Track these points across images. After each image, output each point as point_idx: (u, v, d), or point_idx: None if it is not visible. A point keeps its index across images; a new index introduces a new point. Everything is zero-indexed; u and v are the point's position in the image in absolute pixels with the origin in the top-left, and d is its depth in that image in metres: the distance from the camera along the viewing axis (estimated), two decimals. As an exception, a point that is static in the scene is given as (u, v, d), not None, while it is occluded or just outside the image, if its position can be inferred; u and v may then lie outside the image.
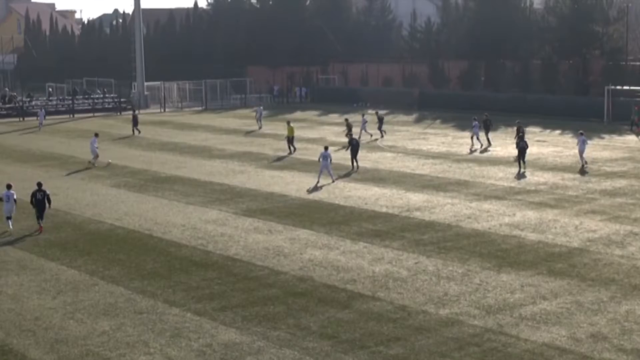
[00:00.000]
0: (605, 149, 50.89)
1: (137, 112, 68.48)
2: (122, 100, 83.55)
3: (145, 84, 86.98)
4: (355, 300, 22.82)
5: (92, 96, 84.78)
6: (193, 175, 43.22)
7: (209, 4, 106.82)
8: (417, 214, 33.12)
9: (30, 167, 46.69)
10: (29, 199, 32.17)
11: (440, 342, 19.73)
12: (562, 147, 49.41)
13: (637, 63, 73.97)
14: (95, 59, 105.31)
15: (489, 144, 52.38)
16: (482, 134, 52.48)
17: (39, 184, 32.42)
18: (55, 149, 54.95)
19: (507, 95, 73.92)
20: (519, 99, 72.16)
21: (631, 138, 55.41)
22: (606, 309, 21.70)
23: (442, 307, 22.06)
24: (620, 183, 39.13)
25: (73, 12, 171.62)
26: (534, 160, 45.93)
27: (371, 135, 57.30)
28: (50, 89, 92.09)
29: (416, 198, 36.34)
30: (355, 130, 55.26)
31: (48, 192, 32.06)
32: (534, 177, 41.01)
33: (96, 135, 49.30)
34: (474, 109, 65.84)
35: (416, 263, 26.30)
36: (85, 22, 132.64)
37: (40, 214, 31.76)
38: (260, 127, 64.40)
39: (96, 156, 47.46)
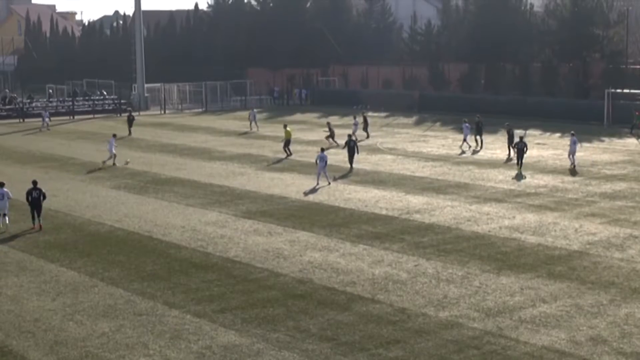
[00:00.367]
0: (605, 151, 50.90)
1: (134, 113, 68.62)
2: (122, 101, 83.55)
3: (146, 85, 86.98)
4: (355, 302, 22.82)
5: (92, 97, 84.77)
6: (193, 177, 43.23)
7: (209, 6, 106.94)
8: (417, 217, 33.13)
9: (30, 169, 46.66)
10: (25, 198, 32.39)
11: (439, 344, 19.73)
12: (562, 150, 49.39)
13: (637, 66, 73.95)
14: (95, 61, 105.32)
15: (481, 145, 52.58)
16: (473, 136, 52.95)
17: (34, 182, 32.60)
18: (55, 150, 54.95)
19: (507, 98, 73.94)
20: (519, 101, 72.21)
21: (631, 141, 55.40)
22: (606, 312, 21.70)
23: (441, 310, 22.06)
24: (620, 186, 39.14)
25: (73, 14, 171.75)
26: (534, 163, 45.95)
27: (368, 136, 57.90)
28: (51, 91, 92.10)
29: (416, 200, 36.34)
30: (339, 133, 55.29)
31: (43, 190, 32.35)
32: (533, 180, 41.02)
33: (114, 135, 49.83)
34: (474, 112, 65.67)
35: (416, 265, 26.30)
36: (86, 23, 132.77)
37: (37, 213, 32.07)
38: (257, 129, 64.48)
39: (111, 157, 47.82)
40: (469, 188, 39.08)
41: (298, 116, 75.61)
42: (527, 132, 58.54)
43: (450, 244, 28.88)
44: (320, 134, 59.65)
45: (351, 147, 45.10)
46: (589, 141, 55.69)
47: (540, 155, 49.11)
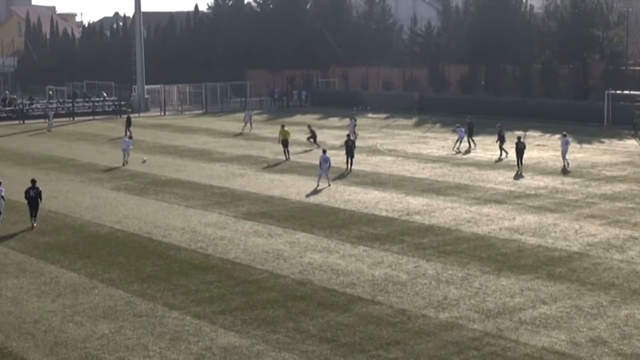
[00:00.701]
0: (605, 153, 50.90)
1: (131, 115, 69.01)
2: (122, 103, 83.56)
3: (146, 87, 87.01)
4: (355, 303, 22.81)
5: (92, 99, 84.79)
6: (193, 179, 43.23)
7: (209, 8, 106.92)
8: (417, 218, 33.12)
9: (30, 170, 46.61)
10: (23, 197, 32.69)
11: (439, 346, 19.72)
12: (568, 153, 49.31)
13: (637, 67, 74.02)
14: (95, 62, 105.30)
15: (474, 146, 52.90)
16: (466, 138, 53.52)
17: (33, 181, 32.75)
18: (55, 151, 54.96)
19: (507, 99, 74.02)
20: (519, 103, 72.28)
21: (631, 142, 55.39)
22: (606, 314, 21.69)
23: (441, 311, 22.06)
24: (620, 187, 39.14)
25: (73, 15, 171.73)
26: (534, 165, 45.97)
27: (356, 135, 58.18)
28: (51, 92, 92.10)
29: (416, 202, 36.33)
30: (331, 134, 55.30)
31: (41, 189, 32.63)
32: (533, 181, 41.02)
33: (130, 137, 51.14)
34: (474, 113, 65.72)
35: (416, 267, 26.29)
36: (86, 25, 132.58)
37: (33, 212, 32.30)
38: (250, 129, 64.98)
39: (125, 154, 48.73)
40: (469, 189, 39.07)
41: (298, 117, 75.62)
42: (527, 133, 58.53)
43: (450, 245, 28.88)
44: (321, 136, 59.66)
45: (349, 146, 45.32)
46: (589, 142, 55.74)
47: (540, 156, 49.12)
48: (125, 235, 31.21)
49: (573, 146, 52.86)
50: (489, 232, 30.60)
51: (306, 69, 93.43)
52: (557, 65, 75.33)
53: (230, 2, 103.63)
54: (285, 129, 51.25)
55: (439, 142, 56.92)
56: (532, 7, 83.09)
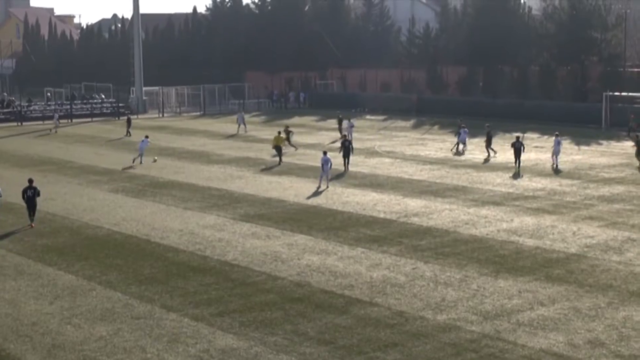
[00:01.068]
0: (603, 155, 50.93)
1: (131, 116, 69.51)
2: (120, 105, 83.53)
3: (144, 88, 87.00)
4: (353, 305, 22.81)
5: (90, 101, 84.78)
6: (191, 181, 43.21)
7: (207, 9, 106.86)
8: (415, 220, 33.12)
9: (28, 172, 46.49)
10: (21, 197, 32.96)
11: (437, 347, 19.72)
12: (560, 153, 49.32)
13: (635, 69, 74.01)
14: (93, 64, 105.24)
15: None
16: (454, 139, 54.62)
17: (30, 181, 32.96)
18: (53, 153, 54.94)
19: (505, 101, 74.03)
20: (517, 104, 72.27)
21: (629, 144, 55.35)
22: (604, 315, 21.70)
23: (439, 313, 22.05)
24: (618, 189, 39.15)
25: (72, 17, 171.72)
26: (532, 166, 46.00)
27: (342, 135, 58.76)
28: (49, 94, 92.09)
29: (414, 204, 36.34)
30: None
31: (38, 189, 32.95)
32: (531, 183, 41.03)
33: (146, 137, 51.60)
34: (472, 115, 65.94)
35: (414, 269, 26.29)
36: (84, 26, 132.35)
37: (31, 212, 32.61)
38: (243, 131, 65.32)
39: (139, 155, 49.45)
40: (467, 191, 39.08)
41: (296, 119, 75.61)
42: (525, 135, 58.52)
43: (448, 247, 28.88)
44: (319, 138, 59.75)
45: (346, 147, 45.54)
46: (587, 144, 55.78)
47: (538, 158, 49.13)
48: (123, 237, 31.20)
49: (571, 148, 53.17)
50: (487, 234, 30.60)
51: (304, 71, 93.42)
52: (555, 67, 75.30)
53: (229, 3, 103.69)
54: (281, 135, 50.98)
55: (437, 144, 56.92)
56: (530, 9, 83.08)
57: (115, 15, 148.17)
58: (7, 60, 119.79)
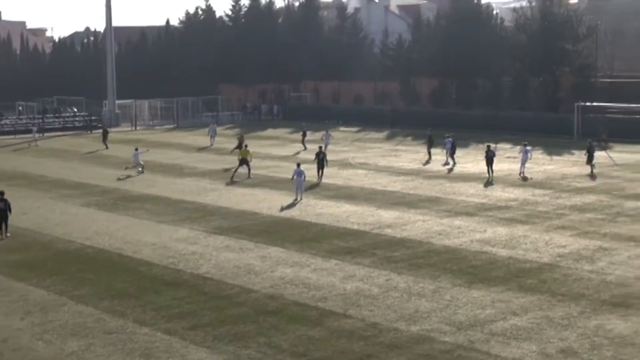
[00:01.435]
0: (575, 164, 51.26)
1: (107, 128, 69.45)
2: (92, 118, 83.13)
3: (117, 102, 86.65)
4: (327, 318, 22.75)
5: (62, 115, 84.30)
6: (164, 194, 43.02)
7: (180, 22, 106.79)
8: (389, 231, 33.15)
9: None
10: None
11: (411, 359, 19.70)
12: (532, 164, 49.65)
13: (607, 80, 74.70)
14: (66, 77, 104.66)
15: (430, 158, 54.11)
16: (425, 149, 55.82)
17: (1, 193, 32.71)
18: (25, 168, 54.52)
19: (478, 113, 74.33)
20: (490, 116, 72.52)
21: (600, 154, 55.75)
22: (576, 324, 21.79)
23: (413, 324, 22.05)
24: (590, 199, 39.42)
25: (44, 30, 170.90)
26: (505, 177, 46.22)
27: (305, 148, 60.08)
28: (20, 108, 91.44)
29: (387, 215, 36.37)
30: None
31: (9, 201, 32.85)
32: (504, 193, 41.21)
33: (136, 149, 52.22)
34: (446, 127, 66.12)
35: (387, 280, 26.29)
36: (57, 40, 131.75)
37: (4, 223, 32.66)
38: (211, 144, 65.22)
39: (135, 165, 50.36)
40: (440, 202, 39.19)
41: (270, 131, 75.56)
42: (498, 145, 58.88)
43: (421, 258, 28.91)
44: (292, 149, 59.74)
45: (320, 159, 45.62)
46: (559, 154, 56.18)
47: (510, 168, 49.37)
48: (95, 251, 30.97)
49: (543, 158, 53.59)
50: (460, 245, 30.68)
51: (278, 83, 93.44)
52: (527, 78, 75.85)
53: (202, 16, 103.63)
54: (248, 148, 50.65)
55: (411, 155, 57.08)
56: (502, 20, 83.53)
57: (87, 29, 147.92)
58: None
